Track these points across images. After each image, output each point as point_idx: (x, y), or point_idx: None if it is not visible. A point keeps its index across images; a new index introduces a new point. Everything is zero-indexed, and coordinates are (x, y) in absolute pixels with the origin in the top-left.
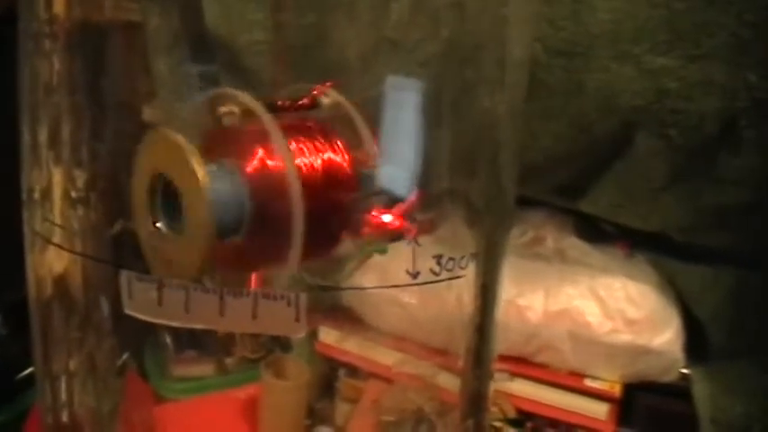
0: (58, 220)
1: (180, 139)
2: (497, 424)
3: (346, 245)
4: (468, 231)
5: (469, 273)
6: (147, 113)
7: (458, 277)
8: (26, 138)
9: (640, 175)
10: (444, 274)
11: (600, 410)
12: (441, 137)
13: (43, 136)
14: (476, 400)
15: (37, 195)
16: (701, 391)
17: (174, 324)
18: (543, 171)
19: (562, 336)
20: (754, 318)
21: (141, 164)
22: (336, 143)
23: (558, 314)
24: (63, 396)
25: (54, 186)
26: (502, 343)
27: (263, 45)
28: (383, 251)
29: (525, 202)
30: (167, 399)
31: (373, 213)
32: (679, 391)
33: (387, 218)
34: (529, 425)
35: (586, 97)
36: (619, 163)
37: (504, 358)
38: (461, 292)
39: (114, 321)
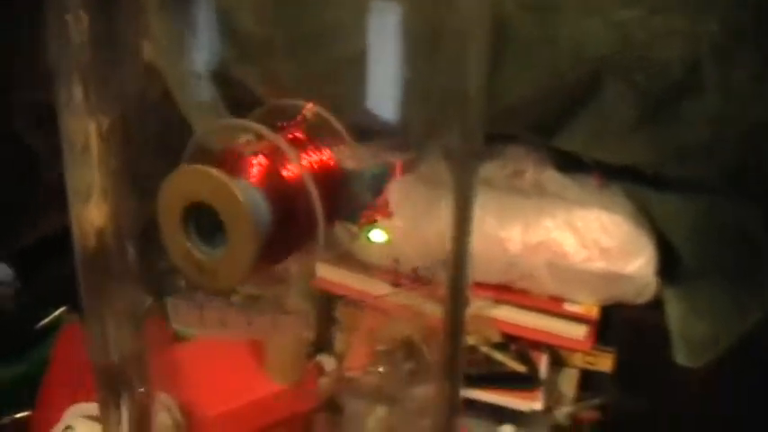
0: (96, 172)
1: (213, 170)
2: (484, 349)
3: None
4: (445, 169)
5: (446, 208)
6: (147, 51)
7: None
8: (62, 94)
9: (610, 117)
10: None
11: (578, 332)
12: (419, 77)
13: (78, 92)
14: (455, 324)
15: (78, 149)
16: (673, 310)
17: (213, 335)
18: (519, 114)
19: (541, 265)
20: (721, 241)
21: (171, 196)
22: (322, 149)
23: (536, 245)
24: (110, 338)
25: (91, 140)
26: (484, 273)
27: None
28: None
29: (506, 139)
30: (184, 339)
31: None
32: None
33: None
34: (513, 347)
35: (557, 49)
36: (589, 106)
37: (488, 287)
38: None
39: (140, 268)
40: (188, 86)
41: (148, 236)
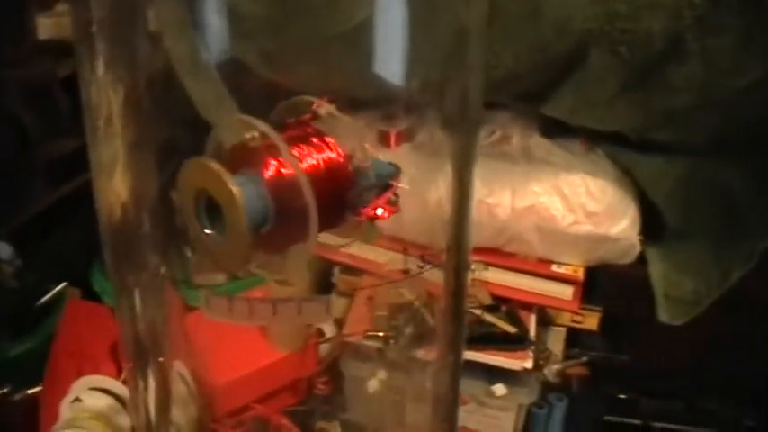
0: (120, 144)
1: (213, 163)
2: (476, 311)
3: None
4: (444, 137)
5: (447, 175)
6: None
7: None
8: (84, 69)
9: (595, 86)
10: None
11: (566, 292)
12: (419, 44)
13: (100, 65)
14: (456, 288)
15: (102, 122)
16: (656, 270)
17: (242, 324)
18: (506, 85)
19: (529, 229)
20: (703, 200)
21: (184, 183)
22: (332, 145)
23: (524, 210)
24: (137, 307)
25: (114, 112)
26: (475, 238)
27: None
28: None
29: (492, 105)
30: (192, 307)
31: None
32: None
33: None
34: (503, 308)
35: (543, 22)
36: (575, 75)
37: (479, 250)
38: (440, 194)
39: (154, 238)
40: (198, 75)
41: (162, 205)
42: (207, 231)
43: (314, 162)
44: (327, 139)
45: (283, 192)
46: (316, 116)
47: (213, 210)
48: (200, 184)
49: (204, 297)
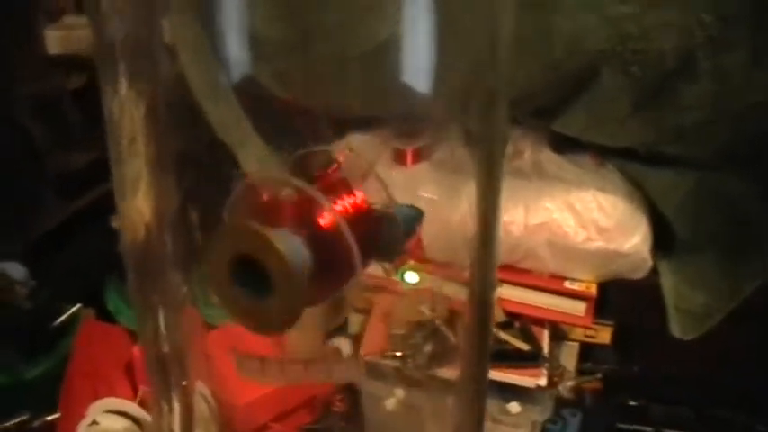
0: (143, 163)
1: (257, 225)
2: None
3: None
4: (467, 154)
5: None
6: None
7: None
8: (107, 90)
9: (607, 105)
10: None
11: (578, 308)
12: (444, 60)
13: (123, 85)
14: (483, 306)
15: (126, 141)
16: (667, 283)
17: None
18: (520, 102)
19: (542, 245)
20: (714, 214)
21: (218, 249)
22: (356, 193)
23: (537, 227)
24: (161, 328)
25: (137, 131)
26: None
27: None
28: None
29: None
30: (212, 326)
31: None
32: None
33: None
34: (517, 324)
35: (555, 42)
36: (586, 95)
37: None
38: (462, 211)
39: (176, 256)
40: (217, 98)
41: (182, 223)
42: (248, 297)
43: (343, 211)
44: (353, 189)
45: (321, 243)
46: (339, 165)
47: (249, 274)
48: (240, 250)
49: (237, 357)
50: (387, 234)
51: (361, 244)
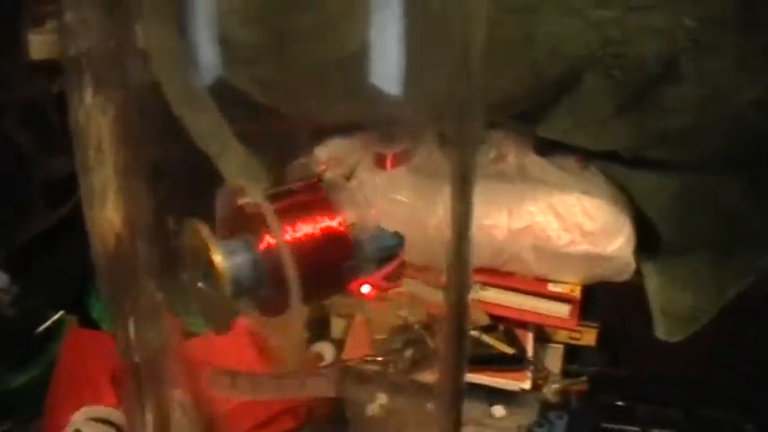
0: (111, 172)
1: (203, 228)
2: (474, 333)
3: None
4: (443, 160)
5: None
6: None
7: None
8: (74, 98)
9: (590, 107)
10: None
11: (563, 310)
12: (418, 65)
13: (89, 94)
14: (459, 309)
15: (92, 149)
16: (653, 285)
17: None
18: (503, 106)
19: (526, 249)
20: (699, 216)
21: (186, 243)
22: (335, 214)
23: (521, 231)
24: (135, 338)
25: (104, 139)
26: (473, 258)
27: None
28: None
29: (487, 125)
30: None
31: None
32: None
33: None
34: (501, 328)
35: (537, 48)
36: (569, 98)
37: (477, 271)
38: (439, 215)
39: (150, 265)
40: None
41: (155, 232)
42: (200, 285)
43: (310, 231)
44: (332, 208)
45: (274, 261)
46: (320, 180)
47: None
48: (195, 246)
49: (210, 376)
50: (355, 261)
51: (323, 267)
